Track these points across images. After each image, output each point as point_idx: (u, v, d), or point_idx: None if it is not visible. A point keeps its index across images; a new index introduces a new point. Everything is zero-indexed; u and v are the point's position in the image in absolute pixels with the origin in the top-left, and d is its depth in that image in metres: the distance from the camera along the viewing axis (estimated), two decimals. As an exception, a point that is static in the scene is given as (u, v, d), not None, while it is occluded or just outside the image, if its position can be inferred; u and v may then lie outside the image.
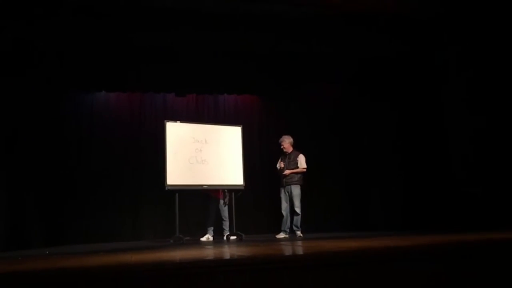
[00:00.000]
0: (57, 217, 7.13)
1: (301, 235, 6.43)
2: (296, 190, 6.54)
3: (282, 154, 6.81)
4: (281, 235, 6.53)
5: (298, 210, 6.48)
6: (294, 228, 6.52)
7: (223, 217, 6.78)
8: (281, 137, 6.83)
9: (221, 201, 6.73)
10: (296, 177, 6.59)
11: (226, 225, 6.75)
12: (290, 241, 5.33)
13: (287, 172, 6.60)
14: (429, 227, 6.30)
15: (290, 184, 6.58)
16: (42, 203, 6.82)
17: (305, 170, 6.61)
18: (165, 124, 6.30)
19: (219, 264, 2.40)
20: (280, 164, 6.73)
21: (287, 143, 6.74)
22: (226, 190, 6.71)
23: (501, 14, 5.79)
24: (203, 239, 6.55)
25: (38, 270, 2.43)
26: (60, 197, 7.24)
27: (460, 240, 3.27)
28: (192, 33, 6.57)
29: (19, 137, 6.38)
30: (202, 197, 7.28)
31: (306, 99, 8.49)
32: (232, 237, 6.45)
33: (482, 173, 6.03)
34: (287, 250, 3.34)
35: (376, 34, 6.77)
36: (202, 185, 6.42)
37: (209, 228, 6.69)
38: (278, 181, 6.83)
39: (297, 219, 6.52)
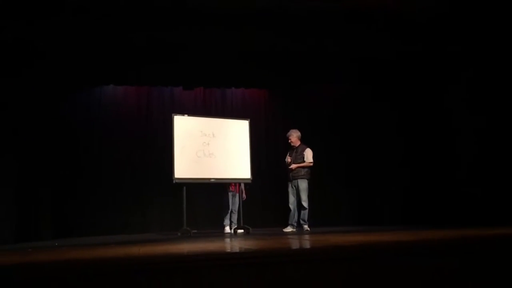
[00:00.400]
0: (66, 210, 7.20)
1: (308, 229, 6.43)
2: (302, 184, 6.54)
3: (289, 148, 6.81)
4: (288, 229, 6.55)
5: (305, 204, 6.49)
6: (301, 222, 6.53)
7: (233, 210, 6.86)
8: (288, 131, 6.84)
9: (236, 194, 6.86)
10: (303, 171, 6.59)
11: (234, 218, 6.84)
12: (297, 235, 5.34)
13: (293, 166, 6.60)
14: (431, 223, 6.29)
15: (296, 178, 6.59)
16: (51, 196, 6.90)
17: (311, 164, 6.60)
18: (173, 117, 6.31)
19: (226, 257, 2.41)
20: (287, 158, 6.74)
21: (294, 137, 6.74)
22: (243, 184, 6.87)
23: (501, 14, 5.73)
24: (227, 230, 6.69)
25: (48, 262, 2.46)
26: (69, 190, 7.31)
27: (464, 235, 3.27)
28: (200, 29, 6.56)
29: (28, 132, 6.43)
30: (211, 190, 7.35)
31: (313, 96, 8.48)
32: (240, 230, 6.49)
33: (482, 172, 6.01)
34: (294, 244, 3.35)
35: (378, 34, 6.74)
36: (209, 179, 6.44)
37: (226, 219, 6.83)
38: (285, 174, 6.84)
39: (304, 213, 6.53)
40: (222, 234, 6.29)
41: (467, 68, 6.36)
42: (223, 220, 6.90)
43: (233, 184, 6.86)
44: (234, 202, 6.88)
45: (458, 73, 6.54)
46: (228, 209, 6.85)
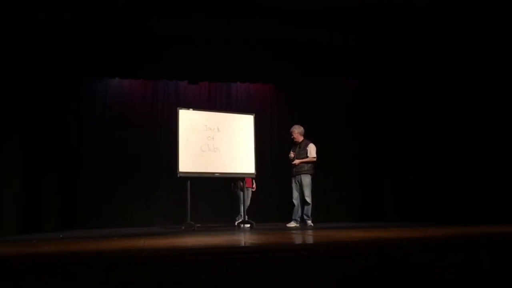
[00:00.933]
0: (70, 202, 7.25)
1: (312, 224, 6.44)
2: (306, 180, 6.54)
3: (293, 143, 6.81)
4: (292, 224, 6.55)
5: (308, 199, 6.48)
6: (305, 217, 6.53)
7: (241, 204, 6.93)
8: (292, 126, 6.85)
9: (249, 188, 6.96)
10: (306, 167, 6.59)
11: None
12: (300, 230, 5.34)
13: (297, 161, 6.60)
14: (441, 220, 6.27)
15: (300, 174, 6.58)
16: (56, 189, 6.93)
17: (314, 159, 6.60)
18: (178, 111, 6.32)
19: (230, 251, 2.41)
20: (291, 154, 6.74)
21: (296, 133, 6.74)
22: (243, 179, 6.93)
23: None
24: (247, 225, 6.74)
25: (52, 253, 2.48)
26: (74, 183, 7.36)
27: (470, 233, 3.25)
28: (205, 21, 6.55)
29: (34, 124, 6.45)
30: (215, 185, 7.36)
31: (320, 90, 8.45)
32: (244, 225, 6.51)
33: (497, 168, 5.95)
34: (298, 239, 3.36)
35: (393, 25, 6.67)
36: (213, 173, 6.45)
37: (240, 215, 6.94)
38: (289, 170, 6.85)
39: (308, 209, 6.53)
40: (226, 229, 6.30)
41: (481, 60, 6.25)
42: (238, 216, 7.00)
43: (249, 180, 6.94)
44: (248, 195, 7.00)
45: (471, 67, 6.42)
46: (246, 204, 6.93)
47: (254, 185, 7.17)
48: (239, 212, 6.98)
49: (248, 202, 7.01)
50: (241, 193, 6.89)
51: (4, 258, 2.25)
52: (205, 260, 2.23)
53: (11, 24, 5.86)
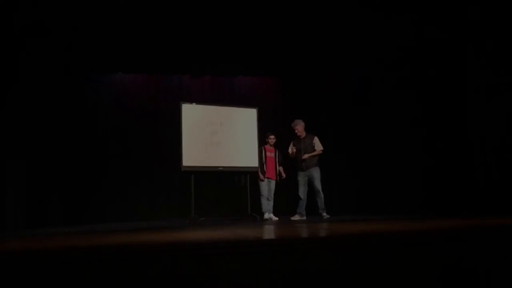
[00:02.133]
0: (76, 197, 7.27)
1: (328, 216, 6.38)
2: (317, 173, 6.52)
3: (294, 138, 6.75)
4: (296, 217, 6.54)
5: (321, 191, 6.46)
6: (320, 210, 6.45)
7: (269, 197, 6.83)
8: (293, 121, 6.78)
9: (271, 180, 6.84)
10: (315, 160, 6.57)
11: (270, 204, 6.81)
12: (305, 223, 5.35)
13: (306, 156, 6.54)
14: (448, 212, 6.24)
15: (310, 168, 6.53)
16: (61, 184, 6.96)
17: (322, 151, 6.58)
18: (181, 105, 6.31)
19: (234, 244, 2.41)
20: (292, 149, 6.67)
21: (301, 127, 6.67)
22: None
23: None
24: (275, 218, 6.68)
25: (57, 248, 2.49)
26: (78, 178, 7.37)
27: (470, 225, 3.23)
28: (206, 15, 6.52)
29: (38, 120, 6.46)
30: (220, 178, 7.36)
31: (323, 83, 8.40)
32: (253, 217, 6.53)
33: (502, 159, 5.90)
34: (302, 232, 3.36)
35: (395, 24, 6.61)
36: (217, 167, 6.45)
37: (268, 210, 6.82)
38: (291, 164, 6.81)
39: (322, 201, 6.47)
40: (230, 222, 6.31)
41: (483, 55, 6.18)
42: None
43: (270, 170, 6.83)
44: (271, 189, 6.87)
45: (475, 60, 6.35)
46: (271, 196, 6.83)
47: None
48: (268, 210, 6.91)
49: (271, 194, 6.89)
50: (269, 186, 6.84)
51: (11, 253, 2.26)
52: (209, 254, 2.23)
53: (11, 22, 5.86)
